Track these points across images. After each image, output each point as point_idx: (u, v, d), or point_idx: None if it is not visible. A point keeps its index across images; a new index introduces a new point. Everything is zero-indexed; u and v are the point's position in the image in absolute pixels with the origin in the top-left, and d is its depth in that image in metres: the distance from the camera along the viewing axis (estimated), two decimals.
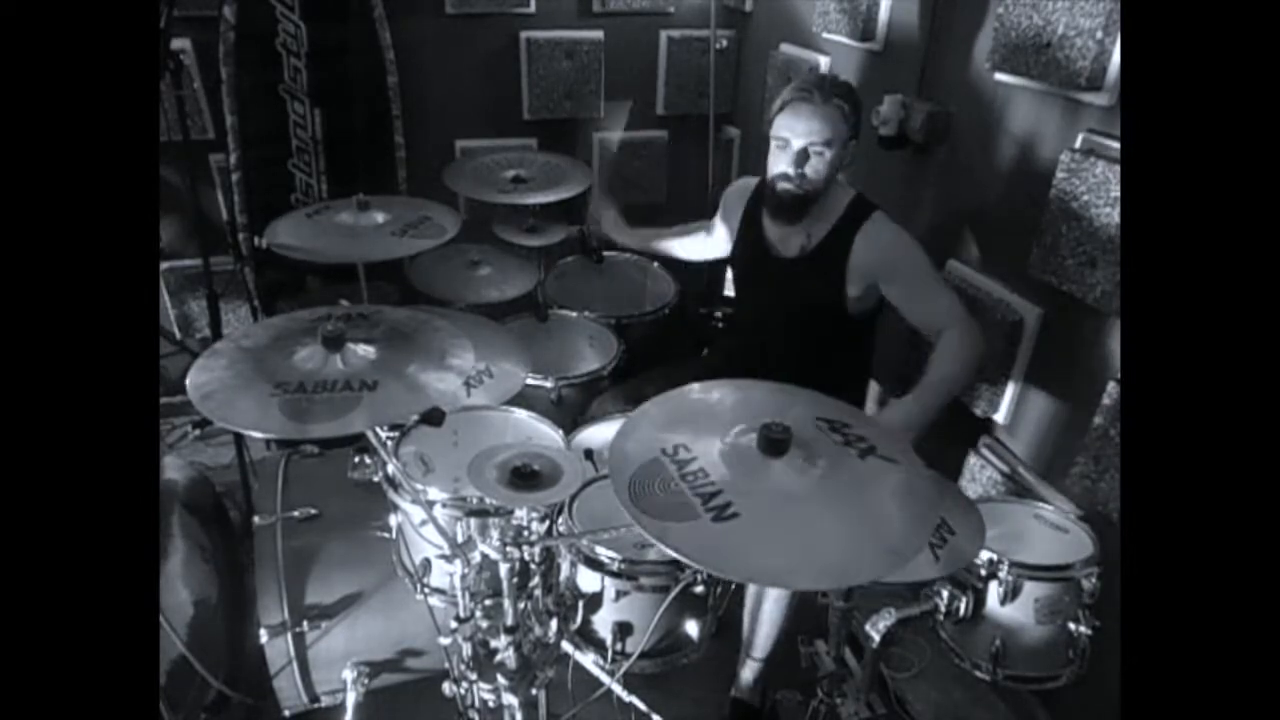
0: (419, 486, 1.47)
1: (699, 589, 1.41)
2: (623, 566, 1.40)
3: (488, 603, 1.42)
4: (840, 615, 1.53)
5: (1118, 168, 1.54)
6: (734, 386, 1.30)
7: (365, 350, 1.36)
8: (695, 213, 2.45)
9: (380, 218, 2.05)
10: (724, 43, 3.13)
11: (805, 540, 1.03)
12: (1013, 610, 1.46)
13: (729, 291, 2.45)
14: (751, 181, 2.03)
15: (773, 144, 1.76)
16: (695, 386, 1.29)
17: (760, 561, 1.02)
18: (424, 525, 1.51)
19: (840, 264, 1.79)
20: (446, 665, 1.47)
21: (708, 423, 1.19)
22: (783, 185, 1.75)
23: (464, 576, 1.36)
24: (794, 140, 1.71)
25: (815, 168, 1.72)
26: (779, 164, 1.75)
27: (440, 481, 1.50)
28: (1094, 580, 1.44)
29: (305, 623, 1.71)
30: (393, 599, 1.75)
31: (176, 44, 2.46)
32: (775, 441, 1.09)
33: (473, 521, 1.41)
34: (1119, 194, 1.54)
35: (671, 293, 2.63)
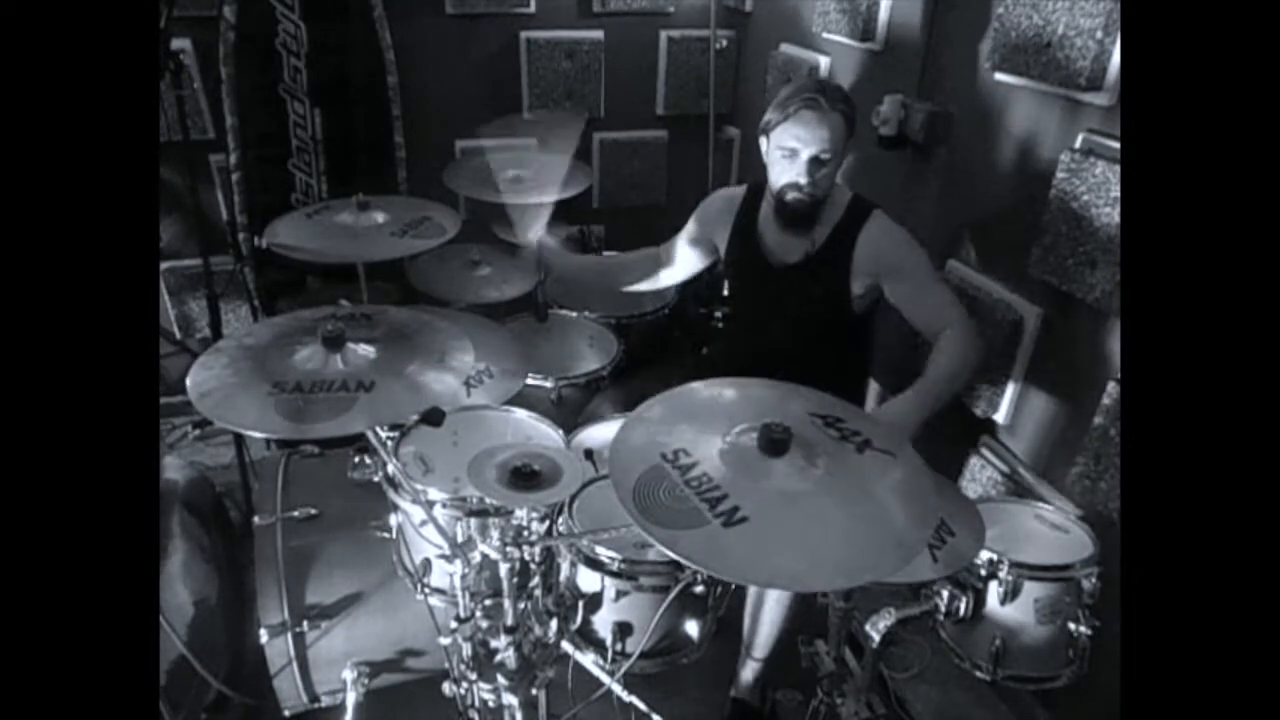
0: (419, 486, 1.47)
1: (699, 589, 1.41)
2: (623, 566, 1.40)
3: (488, 603, 1.42)
4: (840, 615, 1.53)
5: (1118, 168, 1.54)
6: (726, 384, 1.30)
7: (365, 350, 1.36)
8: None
9: (380, 218, 2.05)
10: (724, 43, 3.13)
11: (815, 540, 1.03)
12: (1013, 610, 1.46)
13: (728, 292, 2.44)
14: (735, 191, 1.98)
15: (777, 154, 1.73)
16: (690, 385, 1.29)
17: (775, 565, 1.01)
18: (424, 525, 1.51)
19: (845, 263, 1.79)
20: (446, 665, 1.47)
21: (705, 423, 1.19)
22: (793, 195, 1.73)
23: (464, 576, 1.37)
24: (803, 150, 1.69)
25: (825, 174, 1.71)
26: (788, 174, 1.73)
27: (440, 481, 1.50)
28: (1094, 580, 1.44)
29: (305, 623, 1.70)
30: (393, 599, 1.75)
31: (176, 44, 2.45)
32: (776, 441, 1.09)
33: (473, 521, 1.41)
34: (1119, 194, 1.54)
35: (671, 293, 2.62)
